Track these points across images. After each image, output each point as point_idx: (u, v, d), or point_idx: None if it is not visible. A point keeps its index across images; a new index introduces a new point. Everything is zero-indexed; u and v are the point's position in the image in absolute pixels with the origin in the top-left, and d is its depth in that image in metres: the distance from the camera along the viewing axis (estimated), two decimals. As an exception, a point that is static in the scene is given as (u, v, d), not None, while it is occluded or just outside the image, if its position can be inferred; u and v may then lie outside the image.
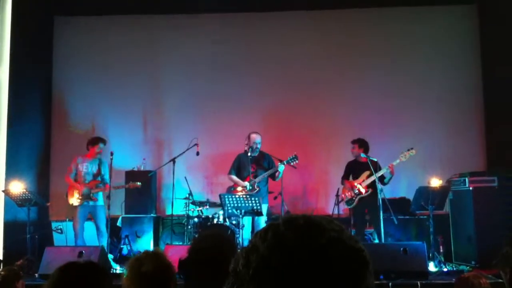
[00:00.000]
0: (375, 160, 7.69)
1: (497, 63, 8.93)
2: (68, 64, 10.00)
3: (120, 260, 8.08)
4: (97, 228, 7.88)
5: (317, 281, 0.92)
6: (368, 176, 7.64)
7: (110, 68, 9.92)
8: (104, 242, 7.70)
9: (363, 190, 7.62)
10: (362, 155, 7.75)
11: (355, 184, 7.76)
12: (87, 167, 7.95)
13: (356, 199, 7.77)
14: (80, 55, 9.99)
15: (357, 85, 9.56)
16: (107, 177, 8.02)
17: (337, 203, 8.24)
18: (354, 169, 7.96)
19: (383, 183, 7.80)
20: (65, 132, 9.90)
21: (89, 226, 8.16)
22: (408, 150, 7.63)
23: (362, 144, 7.95)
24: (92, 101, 9.88)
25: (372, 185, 7.61)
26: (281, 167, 7.88)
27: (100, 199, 7.93)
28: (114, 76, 9.91)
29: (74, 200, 7.82)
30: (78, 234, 7.76)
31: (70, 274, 2.15)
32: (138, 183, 8.04)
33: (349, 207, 7.91)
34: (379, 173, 7.64)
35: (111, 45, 9.97)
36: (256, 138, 8.10)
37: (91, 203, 7.84)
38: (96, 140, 7.98)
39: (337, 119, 9.59)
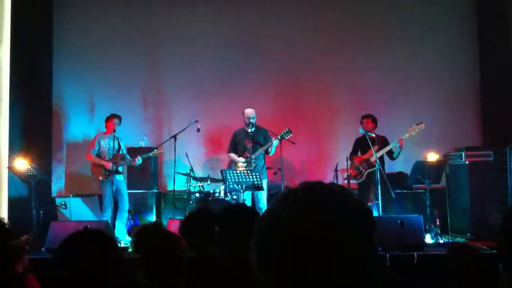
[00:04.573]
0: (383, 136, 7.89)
1: (494, 42, 9.01)
2: (67, 42, 10.03)
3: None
4: (120, 203, 8.05)
5: (331, 242, 1.06)
6: (377, 151, 7.71)
7: (109, 46, 9.96)
8: (125, 217, 8.06)
9: (375, 159, 7.58)
10: (364, 132, 7.83)
11: (368, 156, 7.84)
12: (109, 143, 8.10)
13: (365, 174, 7.90)
14: (79, 33, 10.02)
15: (357, 63, 9.63)
16: (125, 151, 8.29)
17: (336, 178, 8.39)
18: (362, 145, 8.04)
19: (392, 158, 7.95)
20: (65, 110, 10.00)
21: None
22: (417, 124, 7.74)
23: (374, 120, 8.07)
24: (92, 79, 9.94)
25: (380, 160, 7.72)
26: (275, 142, 7.95)
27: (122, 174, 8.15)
28: (113, 54, 9.95)
29: (101, 175, 7.97)
30: (106, 208, 7.91)
31: (76, 242, 2.12)
32: (161, 151, 8.45)
33: (357, 182, 8.03)
34: (387, 148, 7.77)
35: (109, 23, 10.00)
36: (249, 113, 8.14)
37: (116, 176, 7.97)
38: (111, 116, 8.15)
39: (335, 95, 9.68)
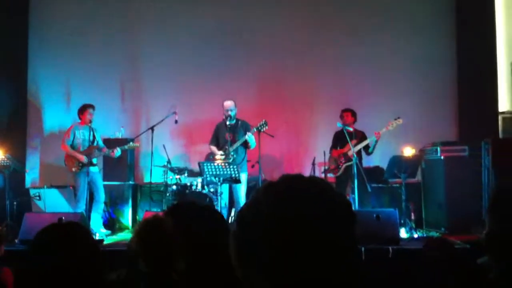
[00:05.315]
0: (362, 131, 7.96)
1: (471, 38, 9.10)
2: (44, 30, 9.87)
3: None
4: (96, 194, 7.94)
5: (315, 238, 1.05)
6: (355, 145, 7.73)
7: (86, 35, 9.80)
8: (101, 208, 7.94)
9: (352, 153, 7.62)
10: (341, 126, 7.85)
11: (346, 150, 7.86)
12: (83, 134, 7.92)
13: (343, 168, 7.92)
14: (56, 21, 9.86)
15: (337, 57, 9.63)
16: (101, 142, 8.13)
17: (313, 171, 8.42)
18: (341, 139, 8.03)
19: (368, 153, 8.00)
20: (40, 100, 9.86)
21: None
22: (395, 119, 7.80)
23: (354, 114, 8.10)
24: (68, 68, 9.78)
25: (357, 154, 7.75)
26: (250, 136, 7.85)
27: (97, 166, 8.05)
28: (91, 43, 9.80)
29: (75, 167, 7.79)
30: (79, 199, 7.75)
31: (51, 235, 2.09)
32: (137, 144, 8.41)
33: (335, 175, 8.05)
34: (365, 142, 7.82)
35: (87, 11, 9.84)
36: (228, 105, 8.06)
37: (91, 168, 7.83)
38: (85, 107, 7.93)
39: (316, 89, 9.67)
